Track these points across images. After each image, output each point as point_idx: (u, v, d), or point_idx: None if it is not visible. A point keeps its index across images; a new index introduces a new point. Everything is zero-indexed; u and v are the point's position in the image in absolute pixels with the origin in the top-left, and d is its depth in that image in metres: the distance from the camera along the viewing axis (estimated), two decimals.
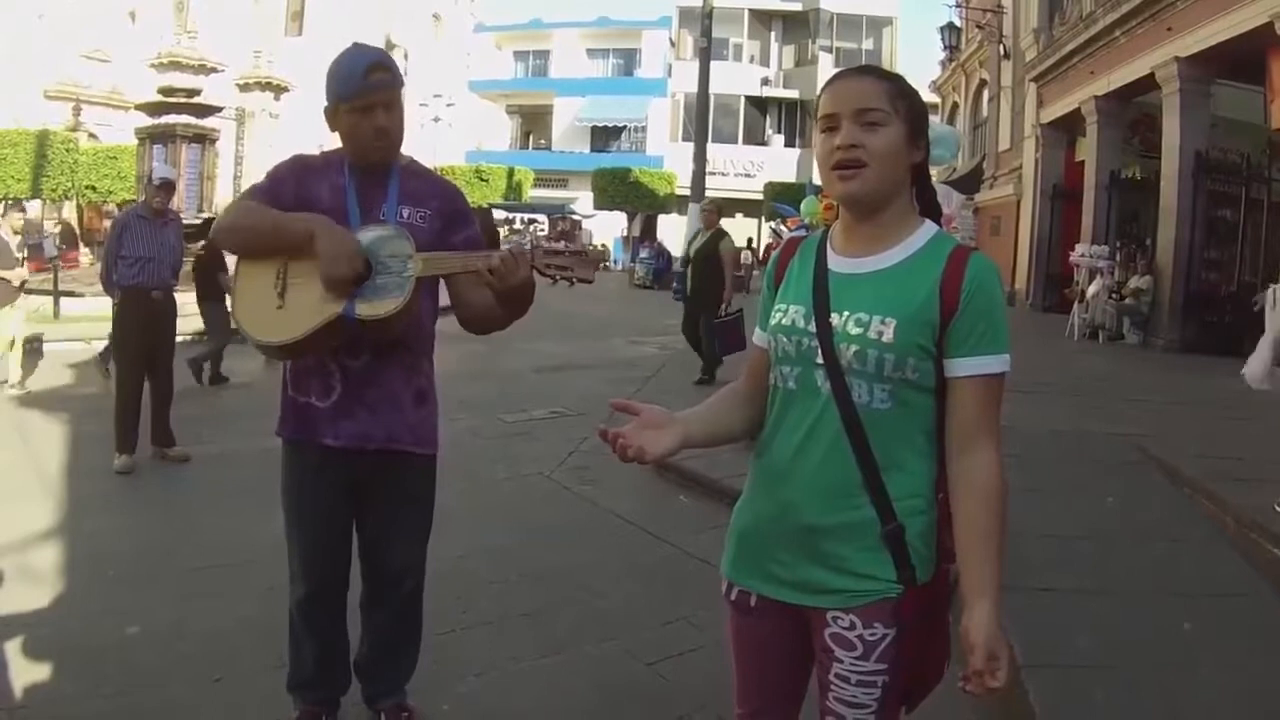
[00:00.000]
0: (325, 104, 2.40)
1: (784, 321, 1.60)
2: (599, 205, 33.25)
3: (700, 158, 25.99)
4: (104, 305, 6.50)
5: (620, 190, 32.38)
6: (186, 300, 7.65)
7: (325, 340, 2.29)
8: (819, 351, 1.53)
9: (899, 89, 1.55)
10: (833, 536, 1.52)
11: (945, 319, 1.48)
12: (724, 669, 1.77)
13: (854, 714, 1.53)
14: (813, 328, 1.55)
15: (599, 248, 31.49)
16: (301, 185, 2.40)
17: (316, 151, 2.54)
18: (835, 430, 1.52)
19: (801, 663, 1.64)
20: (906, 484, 1.51)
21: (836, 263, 1.59)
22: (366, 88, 2.31)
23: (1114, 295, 13.08)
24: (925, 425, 1.54)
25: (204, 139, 15.14)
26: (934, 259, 1.52)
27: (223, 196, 16.86)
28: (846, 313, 1.52)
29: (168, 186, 6.07)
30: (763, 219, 33.27)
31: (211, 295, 8.52)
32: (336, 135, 2.48)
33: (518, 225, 30.69)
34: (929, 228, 1.58)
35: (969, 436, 1.50)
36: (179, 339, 6.45)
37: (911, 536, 1.50)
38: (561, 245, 2.54)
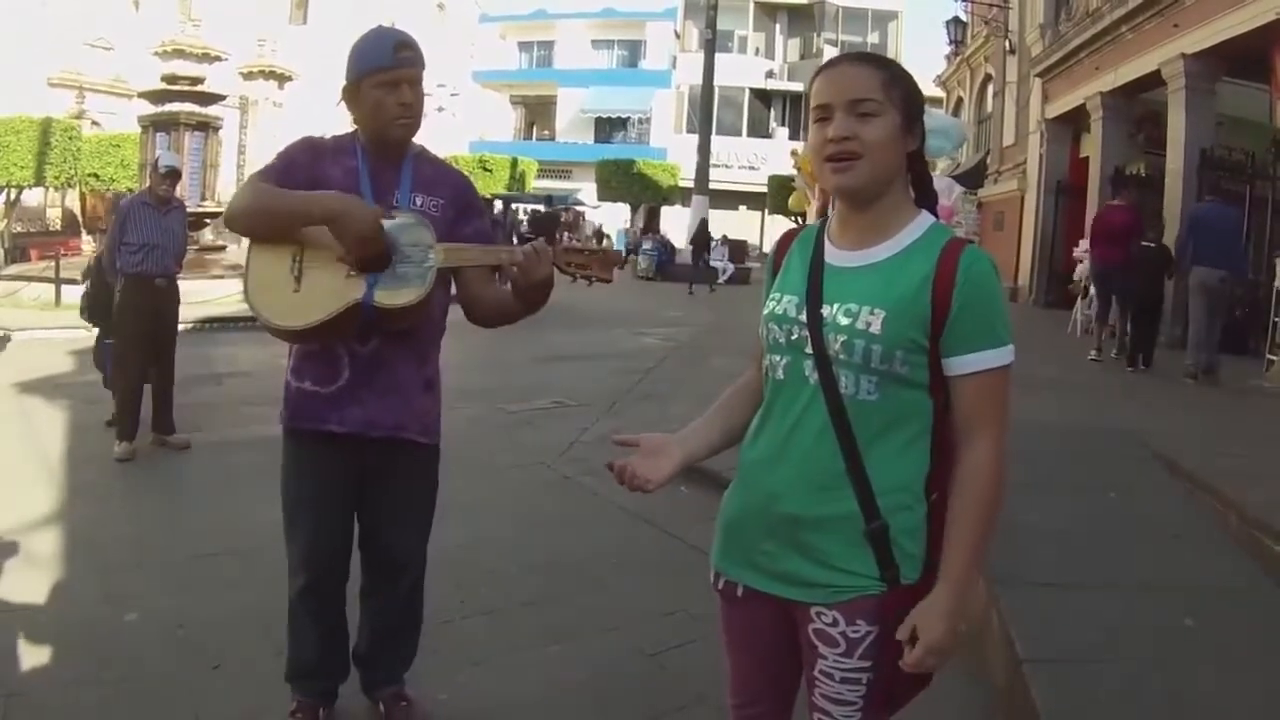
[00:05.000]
0: (345, 83, 2.37)
1: (776, 310, 1.59)
2: (602, 197, 33.19)
3: (704, 150, 26.04)
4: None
5: (624, 182, 32.32)
6: (189, 288, 7.61)
7: (341, 327, 2.26)
8: (809, 341, 1.52)
9: (892, 76, 1.51)
10: (815, 528, 1.51)
11: (939, 317, 1.45)
12: (724, 660, 1.76)
13: (840, 710, 1.52)
14: (804, 317, 1.53)
15: (606, 238, 31.29)
16: (314, 166, 2.36)
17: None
18: (821, 420, 1.50)
19: (793, 653, 1.62)
20: (891, 478, 1.49)
21: (832, 255, 1.58)
22: (395, 62, 2.31)
23: None
24: (915, 421, 1.51)
25: (207, 127, 15.12)
26: (928, 253, 1.49)
27: (225, 185, 16.86)
28: (837, 304, 1.50)
29: (174, 174, 6.06)
30: (765, 211, 33.25)
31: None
32: (343, 123, 2.46)
33: (520, 215, 30.43)
34: (924, 219, 1.55)
35: (966, 431, 1.48)
36: (182, 327, 6.45)
37: (896, 534, 1.48)
38: (580, 243, 2.55)
